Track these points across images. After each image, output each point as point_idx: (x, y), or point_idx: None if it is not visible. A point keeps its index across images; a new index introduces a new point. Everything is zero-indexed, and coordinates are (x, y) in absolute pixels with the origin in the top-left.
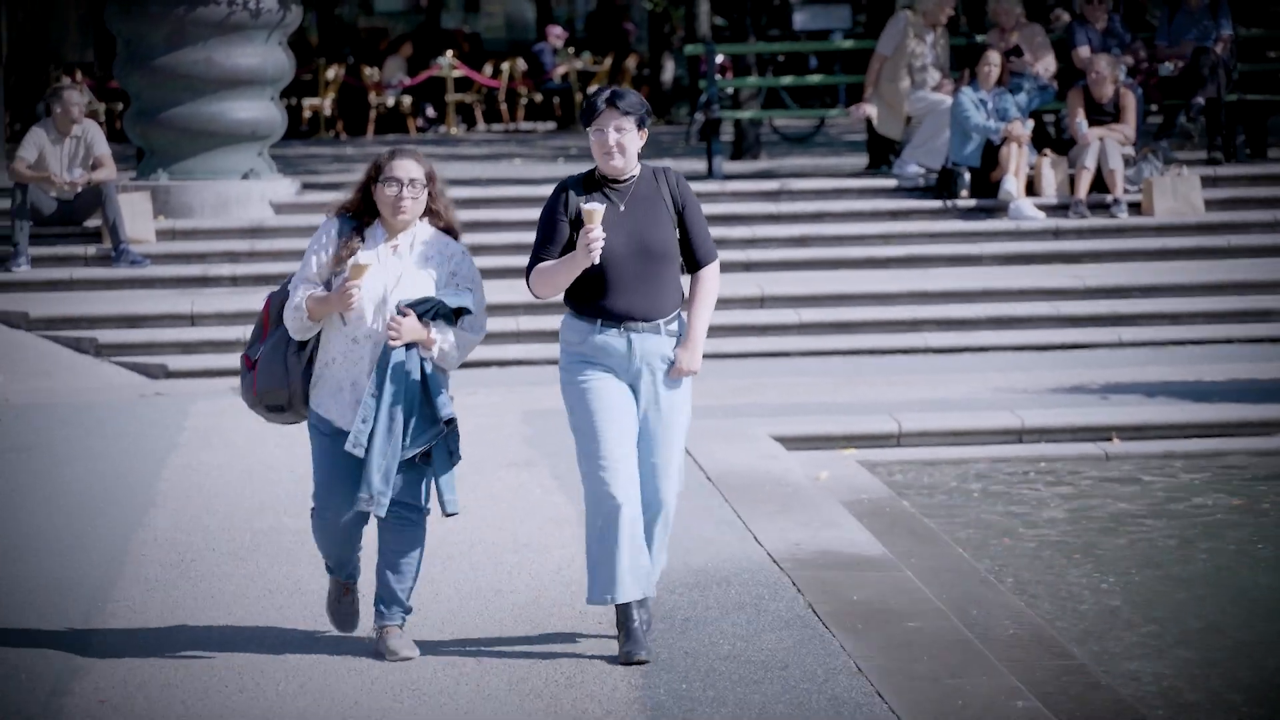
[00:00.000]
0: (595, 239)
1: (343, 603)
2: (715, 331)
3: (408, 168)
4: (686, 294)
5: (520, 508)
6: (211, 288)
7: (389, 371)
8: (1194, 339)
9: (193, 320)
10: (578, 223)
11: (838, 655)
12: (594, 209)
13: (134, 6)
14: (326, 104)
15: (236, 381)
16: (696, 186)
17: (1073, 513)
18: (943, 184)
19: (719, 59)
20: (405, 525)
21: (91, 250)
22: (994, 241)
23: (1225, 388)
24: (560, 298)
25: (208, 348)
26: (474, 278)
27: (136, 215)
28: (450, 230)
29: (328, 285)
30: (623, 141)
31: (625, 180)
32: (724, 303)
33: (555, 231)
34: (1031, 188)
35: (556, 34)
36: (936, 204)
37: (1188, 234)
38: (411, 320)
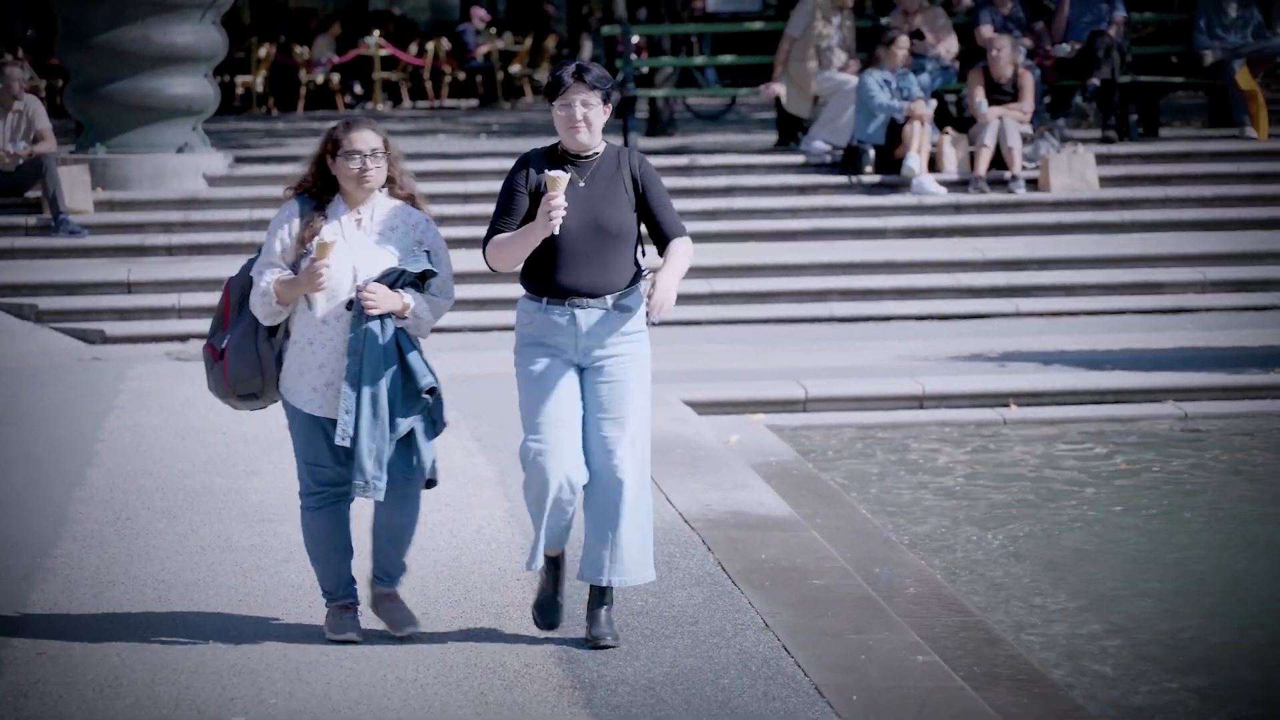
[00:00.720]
0: (556, 206)
1: (343, 619)
2: None
3: (366, 138)
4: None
5: (442, 469)
6: (148, 257)
7: (363, 353)
8: (1088, 310)
9: (129, 288)
10: (538, 196)
11: (746, 611)
12: (557, 177)
13: None
14: (258, 81)
15: (171, 346)
16: None
17: (971, 476)
18: (848, 160)
19: (634, 39)
20: (403, 499)
21: (32, 220)
22: (897, 216)
23: (1117, 356)
24: (509, 275)
25: (144, 314)
26: (439, 244)
27: (75, 187)
28: (410, 198)
29: (293, 268)
30: (589, 115)
31: (588, 157)
32: None
33: (514, 204)
34: (933, 164)
35: (480, 15)
36: (842, 179)
37: (1082, 209)
38: (384, 289)
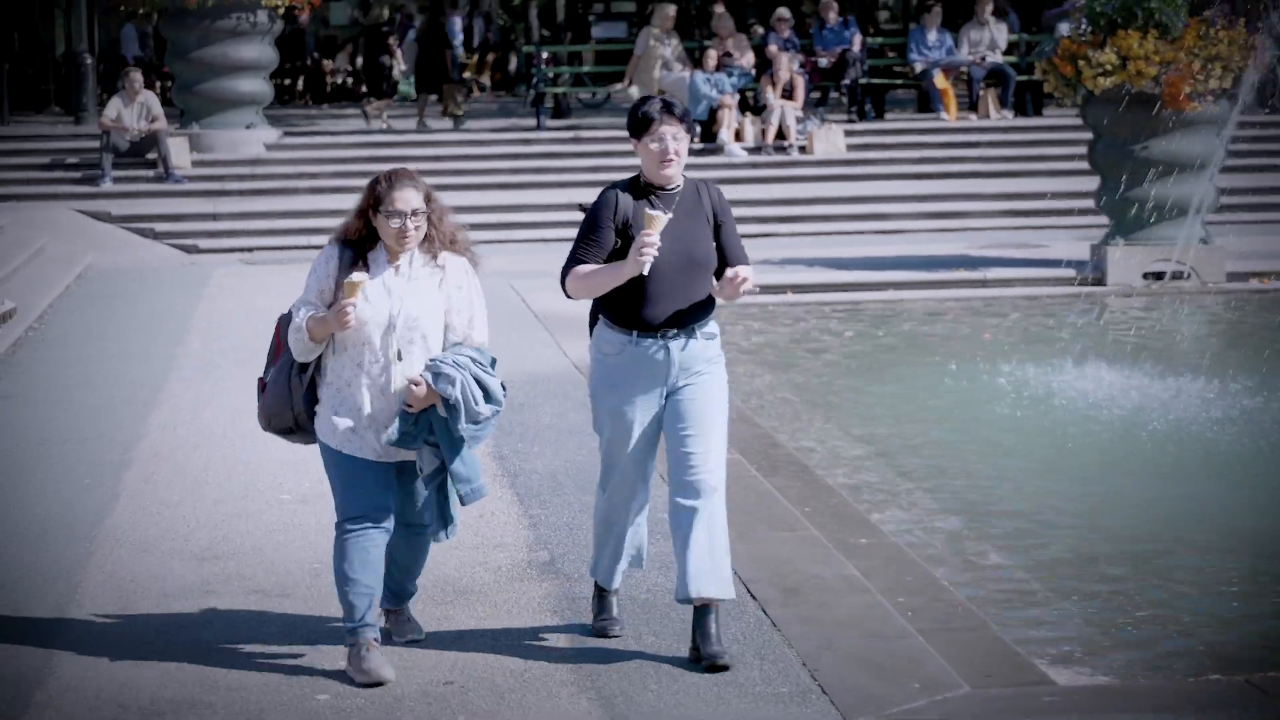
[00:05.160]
0: (650, 245)
1: (368, 657)
2: (541, 225)
3: (408, 198)
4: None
5: None
6: (227, 197)
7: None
8: (839, 231)
9: (214, 218)
10: (623, 231)
11: None
12: (658, 216)
13: (178, 19)
14: (299, 82)
15: (243, 255)
16: (529, 135)
17: (760, 340)
18: None
19: (544, 55)
20: (415, 537)
21: (151, 173)
22: (715, 170)
23: (857, 261)
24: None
25: (224, 235)
26: (472, 301)
27: (179, 152)
28: (452, 244)
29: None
30: (679, 149)
31: (672, 189)
32: (541, 208)
33: (599, 235)
34: (738, 136)
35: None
36: None
37: (835, 166)
38: (427, 390)
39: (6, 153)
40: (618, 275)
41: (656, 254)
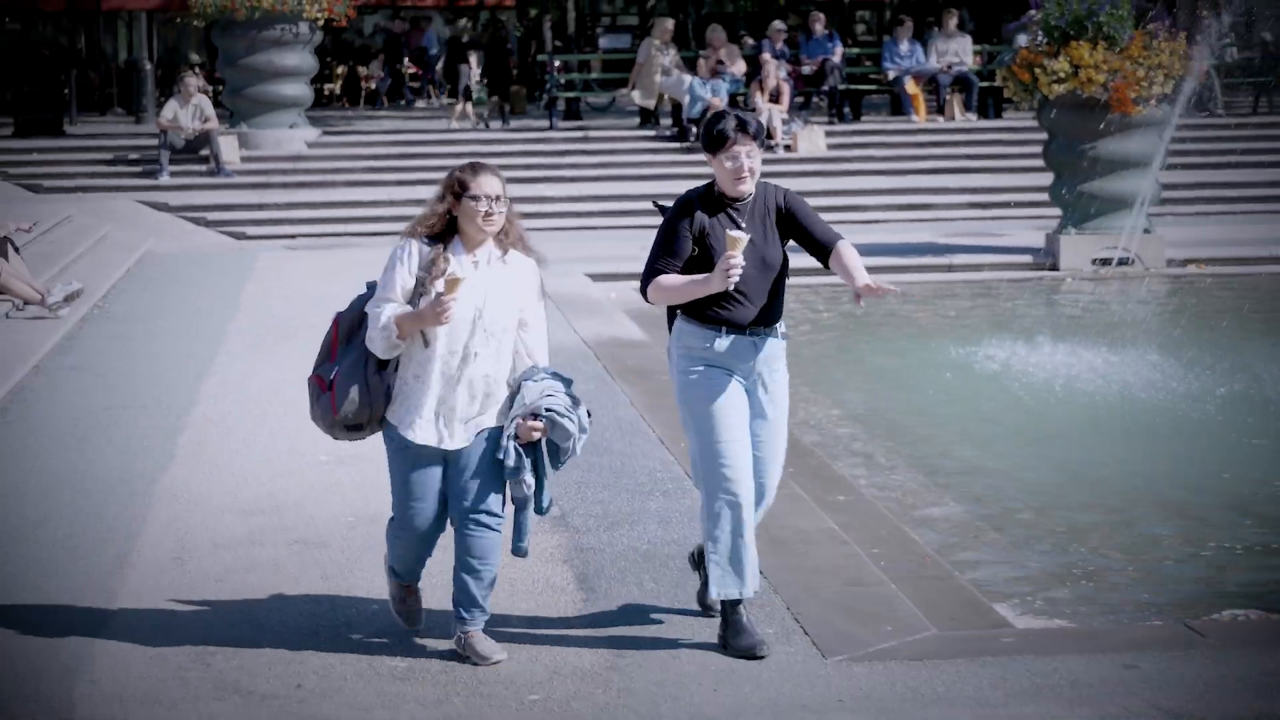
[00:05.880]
0: (736, 265)
1: (408, 602)
2: (554, 215)
3: (492, 184)
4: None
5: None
6: (271, 190)
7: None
8: None
9: (261, 208)
10: (700, 240)
11: (620, 395)
12: (740, 238)
13: (228, 29)
14: (336, 87)
15: (285, 242)
16: (543, 135)
17: None
18: (680, 134)
19: (557, 63)
20: (485, 532)
21: (204, 168)
22: (709, 166)
23: None
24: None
25: (269, 224)
26: (541, 303)
27: (229, 149)
28: (520, 241)
29: (412, 305)
30: (754, 166)
31: (745, 199)
32: (554, 200)
33: (677, 245)
34: None
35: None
36: (677, 144)
37: (817, 163)
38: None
39: (74, 149)
40: (704, 288)
41: (741, 273)
